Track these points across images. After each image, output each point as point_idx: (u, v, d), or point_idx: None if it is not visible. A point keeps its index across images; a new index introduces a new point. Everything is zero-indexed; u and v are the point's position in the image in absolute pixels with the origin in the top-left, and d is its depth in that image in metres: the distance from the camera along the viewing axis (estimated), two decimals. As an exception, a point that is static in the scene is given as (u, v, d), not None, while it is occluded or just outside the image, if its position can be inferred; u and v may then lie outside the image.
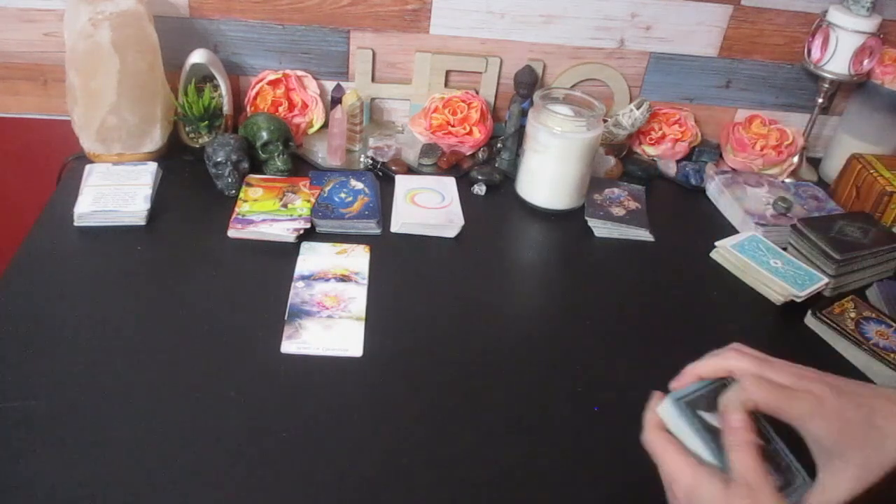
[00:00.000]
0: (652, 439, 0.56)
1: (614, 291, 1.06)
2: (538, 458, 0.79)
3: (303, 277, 0.99)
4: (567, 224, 1.18)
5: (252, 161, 1.16)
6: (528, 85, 1.27)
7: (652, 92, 1.39)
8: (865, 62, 1.28)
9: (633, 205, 1.22)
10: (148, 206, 1.06)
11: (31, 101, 1.29)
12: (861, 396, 0.55)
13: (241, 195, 1.11)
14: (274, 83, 1.28)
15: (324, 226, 1.08)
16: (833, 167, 1.38)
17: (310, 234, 1.07)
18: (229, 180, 1.12)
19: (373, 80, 1.33)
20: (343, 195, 1.14)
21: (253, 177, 1.16)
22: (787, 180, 1.34)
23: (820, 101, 1.35)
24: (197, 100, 1.17)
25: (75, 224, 1.03)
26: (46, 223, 1.04)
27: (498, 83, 1.35)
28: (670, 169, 1.36)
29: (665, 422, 0.57)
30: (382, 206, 1.14)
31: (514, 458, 0.78)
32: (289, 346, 0.88)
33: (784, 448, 0.56)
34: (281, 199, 1.11)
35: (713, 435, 0.55)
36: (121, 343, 0.86)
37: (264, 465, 0.74)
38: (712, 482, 0.52)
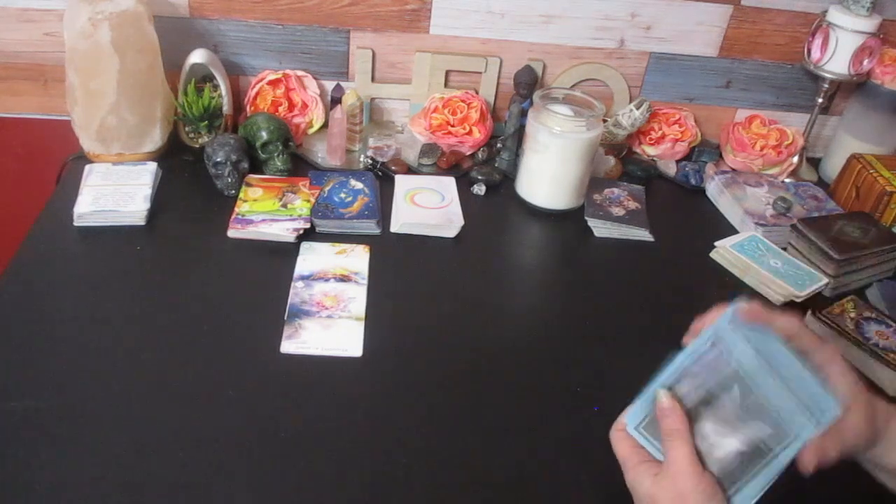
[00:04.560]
0: (612, 436, 0.65)
1: (614, 291, 1.06)
2: (538, 458, 0.79)
3: (302, 277, 0.99)
4: (567, 224, 1.18)
5: (252, 161, 1.16)
6: (528, 85, 1.27)
7: (652, 92, 1.39)
8: (865, 62, 1.28)
9: (632, 205, 1.22)
10: (148, 205, 1.06)
11: (31, 101, 1.29)
12: None
13: (241, 195, 1.11)
14: (274, 83, 1.28)
15: (323, 226, 1.08)
16: (833, 167, 1.38)
17: (309, 234, 1.07)
18: (229, 180, 1.12)
19: (373, 80, 1.33)
20: (343, 195, 1.14)
21: (253, 177, 1.16)
22: (787, 180, 1.34)
23: (820, 101, 1.35)
24: (197, 100, 1.17)
25: (75, 224, 1.03)
26: (46, 223, 1.04)
27: (498, 83, 1.35)
28: (670, 169, 1.36)
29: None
30: (382, 206, 1.14)
31: (514, 458, 0.78)
32: (288, 346, 0.88)
33: (777, 400, 0.59)
34: (281, 199, 1.11)
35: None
36: (121, 343, 0.86)
37: (264, 465, 0.74)
38: (646, 475, 0.60)
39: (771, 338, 0.59)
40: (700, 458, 0.59)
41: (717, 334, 0.61)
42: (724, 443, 0.59)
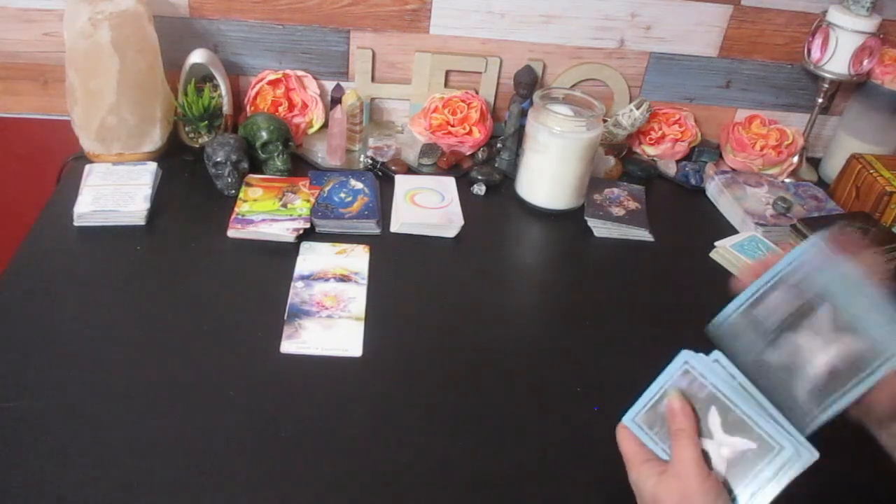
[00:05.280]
0: (618, 433, 0.66)
1: (614, 291, 1.06)
2: (538, 458, 0.79)
3: (302, 277, 0.99)
4: (567, 224, 1.18)
5: (252, 161, 1.16)
6: (528, 85, 1.27)
7: (652, 92, 1.39)
8: (865, 62, 1.28)
9: (632, 205, 1.22)
10: (147, 205, 1.06)
11: (31, 101, 1.29)
12: None
13: (241, 195, 1.11)
14: (274, 83, 1.28)
15: (323, 226, 1.08)
16: (833, 167, 1.38)
17: (309, 234, 1.07)
18: (229, 180, 1.12)
19: (373, 80, 1.33)
20: (343, 195, 1.14)
21: (253, 177, 1.16)
22: (787, 180, 1.34)
23: (820, 101, 1.35)
24: (197, 100, 1.17)
25: (75, 224, 1.03)
26: (46, 223, 1.04)
27: (498, 83, 1.35)
28: (670, 169, 1.36)
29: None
30: (382, 206, 1.14)
31: (514, 458, 0.78)
32: (288, 346, 0.88)
33: (756, 416, 0.59)
34: (281, 199, 1.11)
35: (663, 433, 0.63)
36: (121, 343, 0.86)
37: (264, 465, 0.74)
38: (650, 473, 0.60)
39: (851, 271, 0.59)
40: (705, 458, 0.59)
41: (802, 256, 0.60)
42: (733, 441, 0.59)
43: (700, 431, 0.60)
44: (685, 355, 0.63)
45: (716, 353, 0.62)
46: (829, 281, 0.58)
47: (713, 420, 0.60)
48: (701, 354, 0.63)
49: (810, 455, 0.57)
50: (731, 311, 0.63)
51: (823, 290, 0.59)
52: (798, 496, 0.58)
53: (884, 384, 0.57)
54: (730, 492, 0.58)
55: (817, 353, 0.58)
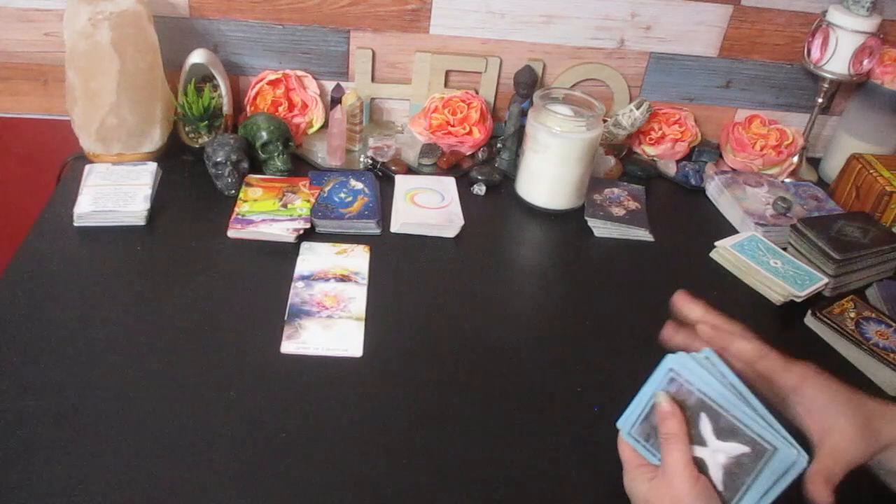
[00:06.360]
0: (619, 442, 0.66)
1: (614, 291, 1.06)
2: (538, 458, 0.79)
3: (302, 277, 0.99)
4: (567, 224, 1.18)
5: (252, 161, 1.16)
6: (528, 85, 1.27)
7: (652, 92, 1.39)
8: (865, 62, 1.28)
9: (632, 205, 1.22)
10: (147, 206, 1.06)
11: (31, 101, 1.29)
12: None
13: (241, 195, 1.11)
14: (274, 83, 1.28)
15: (323, 226, 1.08)
16: (833, 167, 1.38)
17: (309, 234, 1.07)
18: (229, 180, 1.12)
19: (373, 80, 1.33)
20: (343, 195, 1.14)
21: (253, 177, 1.16)
22: (787, 180, 1.34)
23: (820, 101, 1.34)
24: (197, 100, 1.17)
25: (75, 224, 1.03)
26: (46, 223, 1.04)
27: (498, 83, 1.35)
28: (670, 169, 1.36)
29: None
30: (382, 206, 1.14)
31: (514, 458, 0.79)
32: (288, 347, 0.88)
33: (746, 419, 0.58)
34: (281, 199, 1.11)
35: (658, 443, 0.62)
36: (120, 343, 0.86)
37: (264, 465, 0.74)
38: (642, 479, 0.61)
39: (723, 369, 0.60)
40: (698, 464, 0.59)
41: (672, 369, 0.62)
42: (727, 447, 0.59)
43: (693, 439, 0.60)
44: (670, 361, 0.62)
45: (706, 351, 0.62)
46: (699, 391, 0.60)
47: (705, 427, 0.59)
48: (690, 355, 0.62)
49: (802, 458, 0.56)
50: (632, 421, 0.65)
51: (698, 402, 0.60)
52: (796, 496, 0.58)
53: (833, 441, 0.58)
54: (730, 499, 0.58)
55: (709, 464, 0.59)
